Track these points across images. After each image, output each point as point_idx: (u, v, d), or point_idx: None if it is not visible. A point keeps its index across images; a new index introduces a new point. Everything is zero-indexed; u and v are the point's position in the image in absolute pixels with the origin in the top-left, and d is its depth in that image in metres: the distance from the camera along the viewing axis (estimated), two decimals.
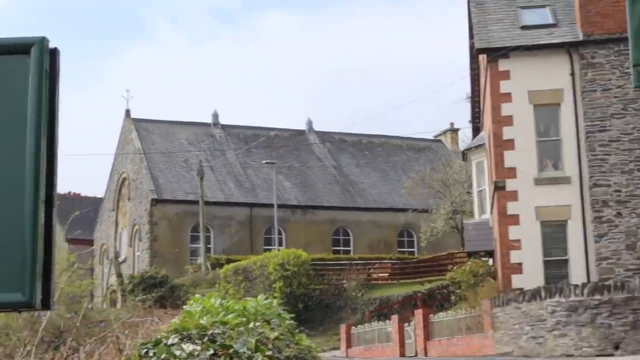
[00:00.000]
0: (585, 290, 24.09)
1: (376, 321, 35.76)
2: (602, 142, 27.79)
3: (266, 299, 9.45)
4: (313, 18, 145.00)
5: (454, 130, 63.00)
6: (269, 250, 48.49)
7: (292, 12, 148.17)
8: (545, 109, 28.81)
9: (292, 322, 11.40)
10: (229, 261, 46.92)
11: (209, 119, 61.17)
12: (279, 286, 40.30)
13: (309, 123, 62.31)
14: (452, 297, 34.46)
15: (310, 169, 58.53)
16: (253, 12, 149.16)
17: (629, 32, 11.47)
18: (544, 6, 30.50)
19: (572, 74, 28.38)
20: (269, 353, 8.48)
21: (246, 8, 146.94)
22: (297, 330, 11.80)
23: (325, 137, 61.74)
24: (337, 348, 37.12)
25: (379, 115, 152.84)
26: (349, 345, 35.97)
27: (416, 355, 31.13)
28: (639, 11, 11.85)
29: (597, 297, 23.77)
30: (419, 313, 31.92)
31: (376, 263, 46.48)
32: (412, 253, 54.37)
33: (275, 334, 8.97)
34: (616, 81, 27.54)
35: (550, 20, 29.78)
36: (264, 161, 52.16)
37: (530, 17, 30.11)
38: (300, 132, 61.91)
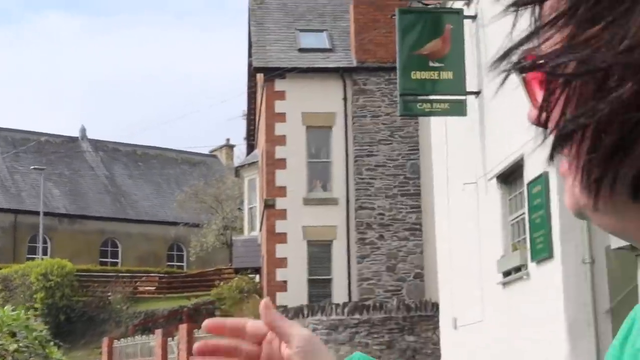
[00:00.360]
0: (346, 310, 24.65)
1: (140, 335, 35.15)
2: (369, 166, 28.62)
3: (13, 310, 9.01)
4: (95, 23, 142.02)
5: (229, 147, 63.00)
6: (33, 259, 46.62)
7: (74, 15, 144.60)
8: (318, 131, 29.34)
9: (43, 334, 10.97)
10: None
11: None
12: (40, 297, 38.89)
13: (83, 130, 60.36)
14: (218, 313, 34.40)
15: (82, 177, 56.75)
16: (31, 12, 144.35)
17: (397, 64, 11.93)
18: (321, 31, 31.17)
19: (345, 99, 29.09)
20: None
21: (25, 7, 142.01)
22: (51, 343, 11.35)
23: (98, 145, 60.10)
24: None
25: (156, 127, 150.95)
26: (110, 359, 35.13)
27: None
28: (407, 46, 12.38)
29: (357, 316, 24.38)
30: (183, 328, 31.58)
31: (143, 276, 45.78)
32: (181, 267, 53.79)
33: (15, 346, 8.59)
34: (385, 108, 28.46)
35: (327, 45, 30.46)
36: (32, 167, 50.03)
37: (308, 40, 30.66)
38: (73, 139, 59.80)
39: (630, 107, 0.71)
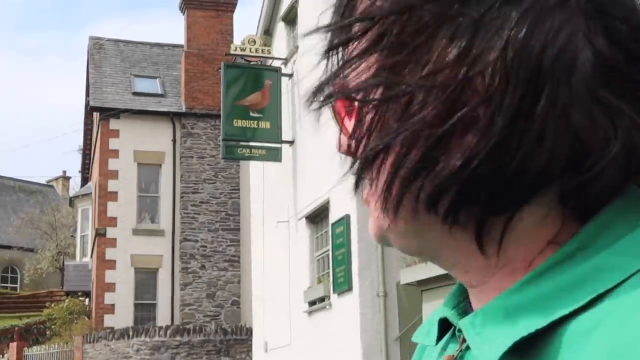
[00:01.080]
0: (168, 332, 24.32)
1: None
2: (194, 202, 28.43)
3: None
4: None
5: (65, 178, 60.97)
6: None
7: None
8: (148, 168, 28.90)
9: None
10: None
11: None
12: None
13: None
14: (48, 332, 33.15)
15: None
16: None
17: (222, 112, 11.99)
18: (155, 77, 30.82)
19: (174, 140, 28.84)
20: None
21: None
22: None
23: None
24: None
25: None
26: None
27: None
28: (231, 97, 12.47)
29: (178, 338, 24.10)
30: (13, 346, 30.37)
31: None
32: (14, 289, 51.35)
33: None
34: (210, 151, 28.37)
35: (159, 91, 30.13)
36: None
37: (142, 85, 30.27)
38: None
39: (432, 127, 0.71)
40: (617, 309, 0.67)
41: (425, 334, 0.91)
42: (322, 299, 15.38)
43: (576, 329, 0.68)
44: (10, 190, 58.82)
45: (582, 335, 0.67)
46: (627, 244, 0.72)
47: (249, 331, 22.60)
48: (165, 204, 28.64)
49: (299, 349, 16.32)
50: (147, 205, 28.81)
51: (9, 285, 51.95)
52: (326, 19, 0.80)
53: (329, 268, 15.13)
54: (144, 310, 28.13)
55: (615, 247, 0.71)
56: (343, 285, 14.18)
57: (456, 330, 0.83)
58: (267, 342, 18.62)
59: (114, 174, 28.52)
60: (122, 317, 27.42)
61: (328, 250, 15.22)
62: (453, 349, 0.84)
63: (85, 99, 32.69)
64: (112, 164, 28.57)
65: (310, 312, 15.94)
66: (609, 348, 0.64)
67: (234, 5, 30.40)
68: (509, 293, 0.74)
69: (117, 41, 32.77)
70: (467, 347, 0.79)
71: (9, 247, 48.92)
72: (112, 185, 28.46)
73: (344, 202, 14.23)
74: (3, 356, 30.81)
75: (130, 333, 24.71)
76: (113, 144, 28.66)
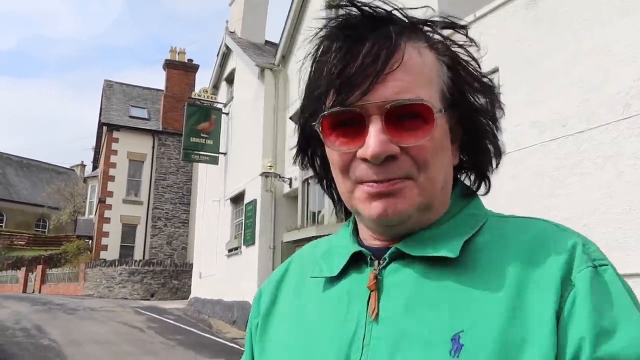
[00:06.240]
0: (141, 263, 23.54)
1: (11, 270, 31.33)
2: (163, 186, 27.57)
3: None
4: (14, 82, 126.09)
5: (82, 165, 57.95)
6: None
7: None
8: (136, 163, 27.88)
9: None
10: None
11: None
12: None
13: None
14: (63, 260, 31.49)
15: None
16: None
17: (183, 132, 11.60)
18: (144, 108, 29.79)
19: (153, 147, 27.90)
20: None
21: None
22: None
23: None
24: None
25: (38, 148, 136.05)
26: None
27: (34, 292, 27.84)
28: (190, 123, 12.07)
29: (146, 267, 23.36)
30: (39, 267, 28.69)
31: (18, 235, 40.84)
32: (44, 232, 48.35)
33: None
34: (176, 155, 27.43)
35: (146, 116, 29.17)
36: None
37: (136, 112, 29.17)
38: None
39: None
40: (493, 233, 0.72)
41: (320, 271, 0.79)
42: (236, 248, 15.28)
43: (480, 242, 0.71)
44: (46, 171, 55.45)
45: (485, 244, 0.71)
46: (474, 204, 0.77)
47: (191, 266, 22.19)
48: (144, 185, 27.69)
49: (220, 278, 16.15)
50: (133, 185, 27.80)
51: (40, 230, 48.89)
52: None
53: (241, 230, 15.05)
54: (126, 250, 27.10)
55: (470, 206, 0.77)
56: (249, 240, 14.14)
57: (369, 258, 0.74)
58: (201, 272, 18.33)
59: (113, 165, 27.39)
60: (112, 253, 26.36)
61: (242, 219, 15.14)
62: (360, 272, 0.74)
63: (99, 117, 31.33)
64: (113, 159, 27.43)
65: (228, 256, 15.81)
66: (501, 248, 0.69)
67: (196, 68, 29.77)
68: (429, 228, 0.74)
69: (121, 84, 31.51)
70: (384, 267, 0.72)
71: (42, 206, 46.12)
72: (111, 172, 27.33)
73: (253, 192, 14.18)
74: (33, 273, 29.01)
75: (117, 263, 23.79)
76: (114, 146, 27.52)
